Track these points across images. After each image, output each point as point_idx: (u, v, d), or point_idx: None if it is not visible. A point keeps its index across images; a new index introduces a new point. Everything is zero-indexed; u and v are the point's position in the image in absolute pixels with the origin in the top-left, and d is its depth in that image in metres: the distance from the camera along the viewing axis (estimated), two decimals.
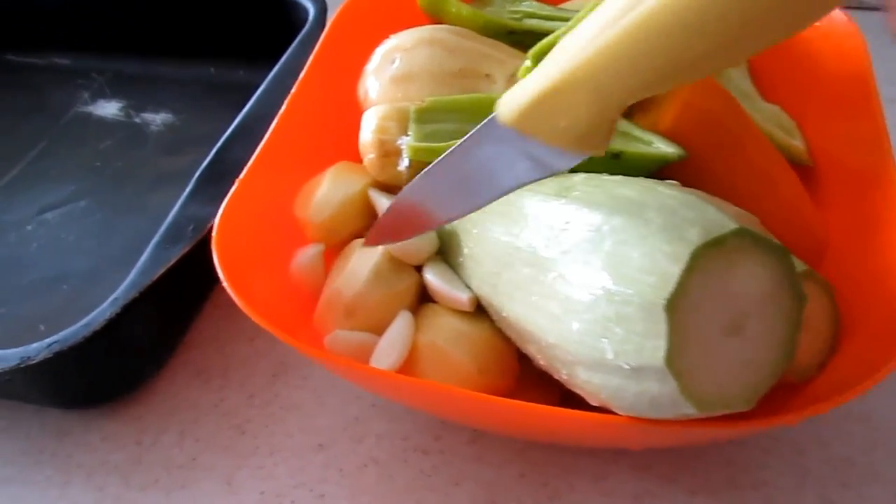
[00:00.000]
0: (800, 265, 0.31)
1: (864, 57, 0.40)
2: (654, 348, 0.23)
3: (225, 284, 0.31)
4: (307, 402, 0.41)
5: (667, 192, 0.25)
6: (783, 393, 0.31)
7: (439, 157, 0.28)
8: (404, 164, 0.35)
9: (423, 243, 0.34)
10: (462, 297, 0.33)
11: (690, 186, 0.33)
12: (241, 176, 0.35)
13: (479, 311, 0.33)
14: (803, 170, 0.40)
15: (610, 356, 0.24)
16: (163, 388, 0.42)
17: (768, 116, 0.41)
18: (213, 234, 0.33)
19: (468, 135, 0.27)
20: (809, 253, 0.36)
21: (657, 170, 0.33)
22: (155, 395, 0.42)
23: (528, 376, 0.34)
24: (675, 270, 0.22)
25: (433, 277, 0.34)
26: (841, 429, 0.39)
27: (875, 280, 0.32)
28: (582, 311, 0.25)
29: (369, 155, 0.36)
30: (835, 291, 0.32)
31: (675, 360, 0.23)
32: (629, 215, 0.24)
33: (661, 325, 0.22)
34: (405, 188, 0.29)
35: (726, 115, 0.34)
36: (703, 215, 0.23)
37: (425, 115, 0.35)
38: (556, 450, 0.38)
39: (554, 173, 0.25)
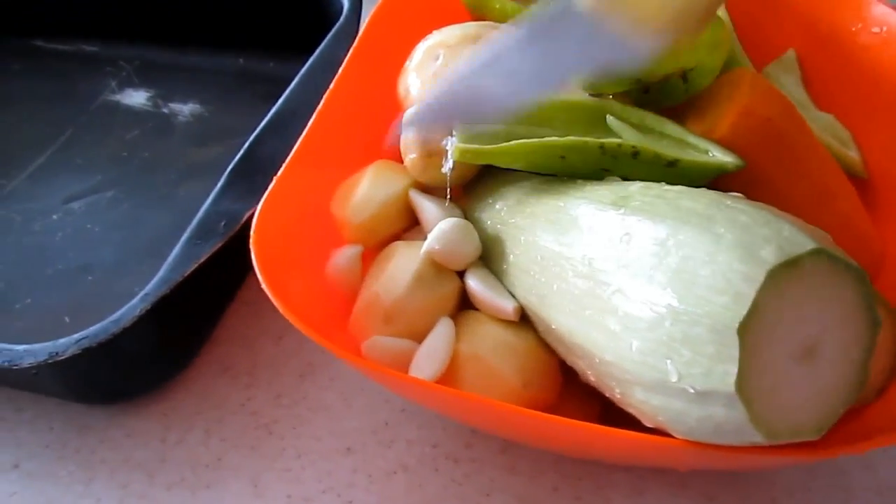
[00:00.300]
0: None
1: None
2: (725, 373, 0.21)
3: (263, 285, 0.30)
4: (335, 403, 0.40)
5: (736, 207, 0.24)
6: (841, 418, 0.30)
7: (504, 34, 0.26)
8: (448, 165, 0.34)
9: (466, 247, 0.33)
10: (507, 306, 0.31)
11: (746, 196, 0.32)
12: (280, 172, 0.34)
13: (524, 321, 0.32)
14: (858, 182, 0.39)
15: (674, 378, 0.23)
16: (189, 386, 0.41)
17: (823, 126, 0.40)
18: (252, 231, 0.32)
19: (539, 12, 0.25)
20: (866, 269, 0.35)
21: (713, 179, 0.32)
22: (181, 393, 0.41)
23: (569, 389, 0.33)
24: (749, 291, 0.21)
25: (476, 284, 0.33)
26: (886, 452, 0.38)
27: None
28: (644, 329, 0.23)
29: (411, 155, 0.35)
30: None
31: (746, 385, 0.21)
32: (697, 229, 0.23)
33: (732, 349, 0.21)
34: (462, 64, 0.27)
35: (786, 123, 0.33)
36: (778, 233, 0.22)
37: None
38: (591, 462, 0.37)
39: (632, 62, 0.23)
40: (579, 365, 0.29)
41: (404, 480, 0.37)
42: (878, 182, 0.39)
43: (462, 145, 0.32)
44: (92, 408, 0.41)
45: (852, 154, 0.39)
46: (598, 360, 0.26)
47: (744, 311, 0.21)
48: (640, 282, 0.24)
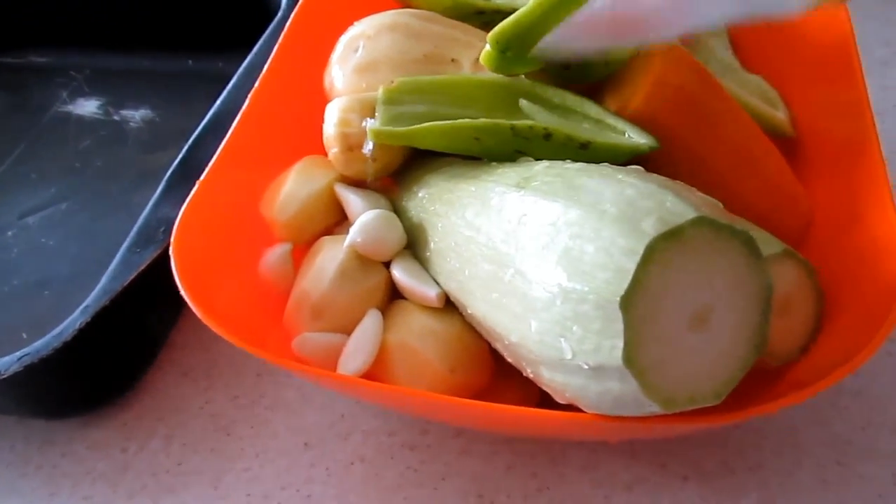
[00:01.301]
0: (778, 245, 0.30)
1: (845, 22, 0.38)
2: (612, 347, 0.22)
3: (184, 295, 0.30)
4: (293, 400, 0.40)
5: (626, 181, 0.24)
6: (765, 377, 0.30)
7: None
8: (368, 147, 0.34)
9: (389, 238, 0.33)
10: (430, 293, 0.32)
11: (667, 168, 0.32)
12: (202, 177, 0.34)
13: (450, 306, 0.32)
14: (787, 142, 0.39)
15: (569, 356, 0.23)
16: (148, 392, 0.42)
17: (751, 88, 0.40)
18: (171, 240, 0.32)
19: None
20: (793, 229, 0.35)
21: (629, 160, 0.32)
22: (140, 401, 0.42)
23: (507, 372, 0.33)
24: (630, 265, 0.21)
25: (401, 273, 0.33)
26: (836, 405, 0.38)
27: (859, 256, 0.31)
28: (540, 309, 0.24)
29: (333, 149, 0.35)
30: (818, 270, 0.31)
31: (635, 358, 0.22)
32: (585, 207, 0.23)
33: (617, 323, 0.21)
34: None
35: (701, 90, 0.33)
36: (660, 204, 0.22)
37: (394, 97, 0.34)
38: (546, 440, 0.37)
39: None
40: (498, 347, 0.29)
41: (362, 471, 0.37)
42: (806, 140, 0.39)
43: (377, 127, 0.33)
44: (52, 423, 0.41)
45: (780, 114, 0.39)
46: (507, 342, 0.26)
47: (625, 285, 0.21)
48: (535, 262, 0.24)
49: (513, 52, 0.32)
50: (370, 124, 0.33)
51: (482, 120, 0.31)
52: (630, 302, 0.21)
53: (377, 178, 0.36)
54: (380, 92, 0.34)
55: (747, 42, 0.43)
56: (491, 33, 0.31)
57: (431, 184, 0.34)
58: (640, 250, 0.21)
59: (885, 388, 0.38)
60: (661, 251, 0.22)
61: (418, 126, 0.32)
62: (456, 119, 0.32)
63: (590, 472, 0.36)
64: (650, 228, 0.22)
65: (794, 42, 0.41)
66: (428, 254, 0.33)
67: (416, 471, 0.37)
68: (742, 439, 0.37)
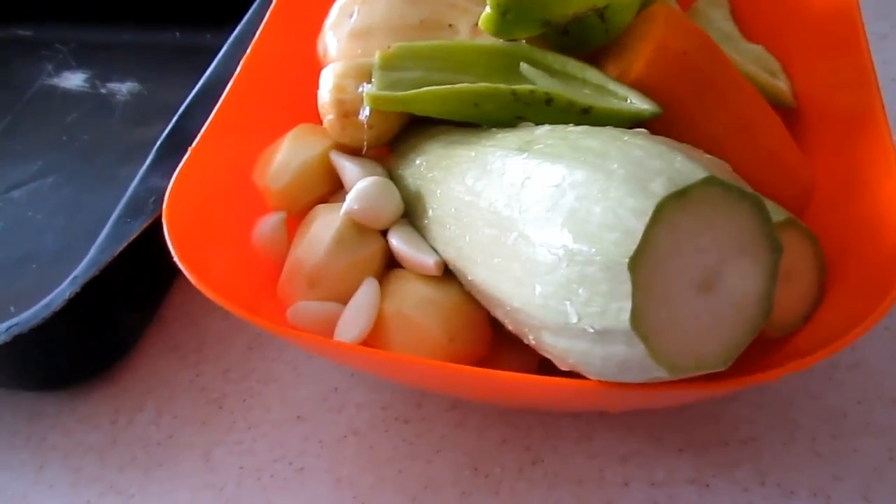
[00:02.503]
0: (782, 213, 0.30)
1: None
2: (619, 310, 0.21)
3: (178, 262, 0.30)
4: (284, 374, 0.40)
5: (633, 142, 0.23)
6: (765, 347, 0.30)
7: None
8: (364, 113, 0.33)
9: (386, 207, 0.33)
10: (428, 261, 0.31)
11: (668, 134, 0.31)
12: (194, 145, 0.34)
13: (448, 275, 0.32)
14: (788, 112, 0.39)
15: (574, 320, 0.22)
16: (137, 366, 0.41)
17: (751, 57, 0.39)
18: (164, 208, 0.31)
19: None
20: (794, 200, 0.34)
21: (631, 126, 0.31)
22: (129, 373, 0.41)
23: (506, 341, 0.33)
24: (638, 225, 0.21)
25: (398, 242, 0.32)
26: (832, 379, 0.38)
27: (861, 226, 0.31)
28: (544, 273, 0.23)
29: (328, 116, 0.35)
30: (819, 240, 0.30)
31: (642, 321, 0.21)
32: (591, 167, 0.23)
33: (625, 285, 0.21)
34: None
35: (702, 57, 0.32)
36: (669, 165, 0.22)
37: (391, 62, 0.33)
38: (540, 413, 0.37)
39: None
40: (498, 314, 0.28)
41: (355, 444, 0.37)
42: (807, 110, 0.38)
43: (374, 92, 0.32)
44: (42, 395, 0.41)
45: (781, 84, 0.39)
46: (509, 308, 0.26)
47: (634, 246, 0.21)
48: (539, 225, 0.23)
49: (513, 14, 0.31)
50: (367, 89, 0.33)
51: (482, 84, 0.31)
52: (639, 263, 0.21)
53: (374, 146, 0.36)
54: (376, 57, 0.33)
55: (748, 12, 0.42)
56: None
57: (428, 151, 0.33)
58: (650, 210, 0.21)
59: (882, 362, 0.38)
60: (670, 211, 0.21)
61: (416, 91, 0.31)
62: (454, 84, 0.32)
63: (584, 444, 0.36)
64: (659, 188, 0.21)
65: (796, 12, 0.40)
66: (426, 221, 0.32)
67: (411, 444, 0.37)
68: (737, 412, 0.37)
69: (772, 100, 0.37)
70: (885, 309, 0.27)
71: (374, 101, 0.32)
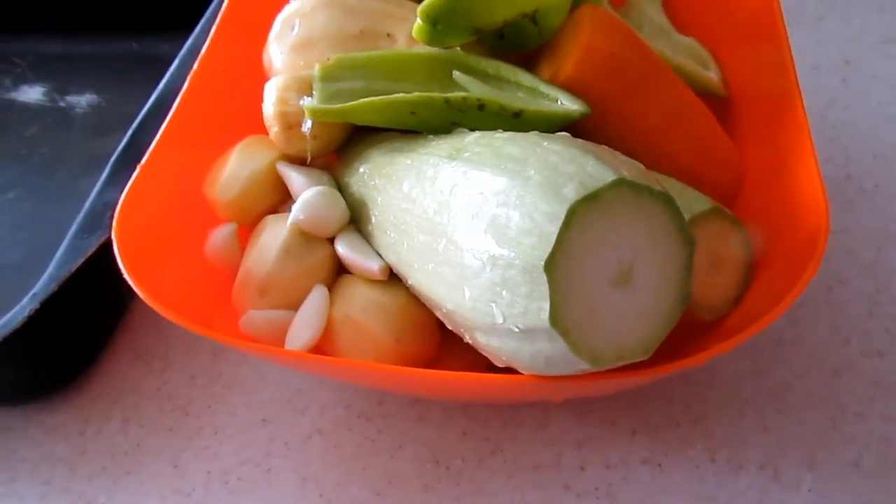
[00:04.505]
0: (707, 203, 0.31)
1: None
2: (539, 309, 0.22)
3: (128, 278, 0.30)
4: (249, 378, 0.41)
5: (550, 148, 0.25)
6: (699, 331, 0.31)
7: None
8: (307, 125, 0.34)
9: (332, 215, 0.34)
10: (373, 266, 0.32)
11: (600, 132, 0.33)
12: (143, 161, 0.34)
13: (395, 279, 0.33)
14: (720, 102, 0.40)
15: (500, 320, 0.24)
16: (104, 375, 0.42)
17: (683, 49, 0.40)
18: (114, 226, 0.32)
19: None
20: (726, 187, 0.36)
21: (562, 126, 0.32)
22: (96, 383, 0.42)
23: (457, 340, 0.34)
24: (552, 229, 0.22)
25: (344, 249, 0.33)
26: (777, 355, 0.39)
27: (785, 208, 0.32)
28: (471, 276, 0.24)
29: (273, 128, 0.35)
30: (748, 225, 0.32)
31: (561, 318, 0.22)
32: (511, 175, 0.24)
33: (543, 286, 0.22)
34: None
35: (630, 54, 0.34)
36: (581, 169, 0.23)
37: (330, 74, 0.34)
38: (496, 404, 0.38)
39: None
40: (438, 316, 0.30)
41: (320, 443, 0.38)
42: (738, 99, 0.40)
43: (313, 105, 0.33)
44: (9, 409, 0.41)
45: (712, 75, 0.40)
46: (444, 311, 0.27)
47: (549, 249, 0.22)
48: (465, 231, 0.25)
49: (443, 24, 0.32)
50: (307, 102, 0.34)
51: (416, 94, 0.32)
52: (553, 264, 0.22)
53: (319, 156, 0.37)
54: (316, 69, 0.34)
55: (680, 4, 0.44)
56: (420, 7, 0.32)
57: (371, 159, 0.34)
58: (562, 215, 0.22)
59: (824, 336, 0.39)
60: (582, 214, 0.22)
61: (354, 103, 0.32)
62: (392, 93, 0.33)
63: (541, 432, 0.37)
64: (571, 193, 0.22)
65: (725, 3, 0.41)
66: (370, 228, 0.33)
67: (374, 441, 0.38)
68: (688, 393, 0.38)
69: (703, 90, 0.39)
70: (806, 281, 0.28)
71: (314, 113, 0.33)
